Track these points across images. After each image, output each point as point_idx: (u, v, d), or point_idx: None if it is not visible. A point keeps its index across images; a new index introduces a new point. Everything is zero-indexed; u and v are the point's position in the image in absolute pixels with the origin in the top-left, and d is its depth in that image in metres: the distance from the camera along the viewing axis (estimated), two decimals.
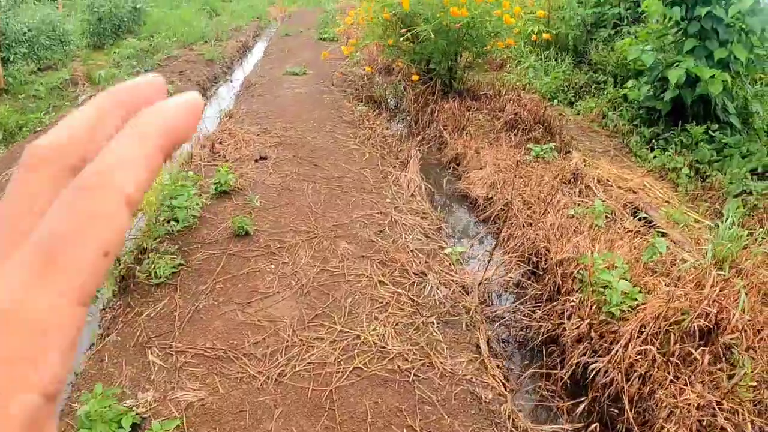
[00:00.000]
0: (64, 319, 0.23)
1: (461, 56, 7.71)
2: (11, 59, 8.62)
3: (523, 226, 4.40)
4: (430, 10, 6.76)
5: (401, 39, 7.10)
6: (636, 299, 3.42)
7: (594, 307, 3.37)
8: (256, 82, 9.07)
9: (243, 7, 17.71)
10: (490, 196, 5.07)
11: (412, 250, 4.05)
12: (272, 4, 19.99)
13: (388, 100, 8.05)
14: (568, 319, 3.41)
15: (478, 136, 6.23)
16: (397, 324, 3.33)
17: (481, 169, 5.45)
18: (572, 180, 5.21)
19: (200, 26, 12.86)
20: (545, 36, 7.57)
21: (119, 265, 4.06)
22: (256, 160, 5.59)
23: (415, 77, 7.40)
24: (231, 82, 10.25)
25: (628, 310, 3.32)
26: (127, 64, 9.95)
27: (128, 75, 8.88)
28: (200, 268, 4.04)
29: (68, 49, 9.94)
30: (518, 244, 4.26)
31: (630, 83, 7.12)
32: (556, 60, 8.82)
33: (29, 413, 0.22)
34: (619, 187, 5.26)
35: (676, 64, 6.11)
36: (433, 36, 6.66)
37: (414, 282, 3.73)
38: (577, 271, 3.60)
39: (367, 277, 3.75)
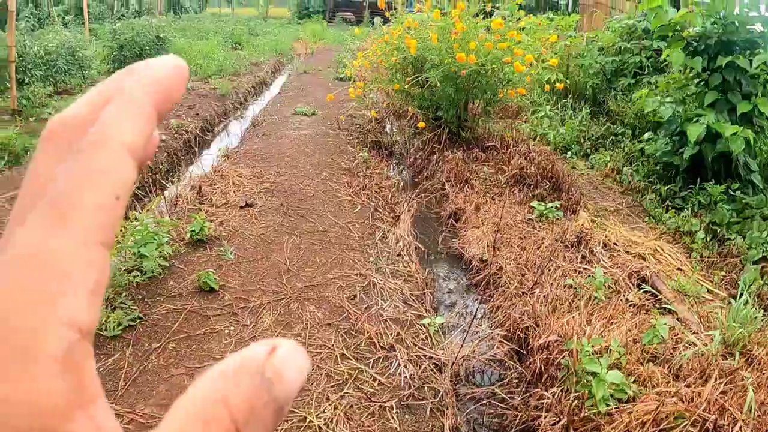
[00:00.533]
0: (85, 259, 0.23)
1: (472, 103, 7.39)
2: (27, 81, 8.58)
3: (513, 296, 4.01)
4: (438, 56, 6.49)
5: (406, 85, 6.82)
6: (627, 392, 3.01)
7: (577, 401, 2.96)
8: (263, 120, 8.86)
9: (267, 42, 17.74)
10: (485, 258, 4.69)
11: (385, 320, 3.69)
12: (298, 40, 20.05)
13: (394, 147, 7.74)
14: (547, 411, 3.00)
15: (481, 190, 5.87)
16: (350, 407, 2.96)
17: (478, 227, 5.07)
18: (575, 243, 4.81)
19: (219, 59, 12.80)
20: (558, 86, 7.23)
21: None
22: (241, 207, 5.31)
23: (421, 124, 7.10)
24: (242, 119, 10.06)
25: (616, 408, 2.91)
26: None
27: None
28: (157, 324, 3.74)
29: (87, 74, 9.92)
30: (505, 318, 3.86)
31: (646, 136, 6.74)
32: (573, 109, 8.47)
33: (66, 347, 0.22)
34: (627, 251, 4.83)
35: (696, 118, 5.72)
36: (439, 83, 6.38)
37: (380, 357, 3.36)
38: (562, 358, 3.19)
39: (328, 348, 3.39)
